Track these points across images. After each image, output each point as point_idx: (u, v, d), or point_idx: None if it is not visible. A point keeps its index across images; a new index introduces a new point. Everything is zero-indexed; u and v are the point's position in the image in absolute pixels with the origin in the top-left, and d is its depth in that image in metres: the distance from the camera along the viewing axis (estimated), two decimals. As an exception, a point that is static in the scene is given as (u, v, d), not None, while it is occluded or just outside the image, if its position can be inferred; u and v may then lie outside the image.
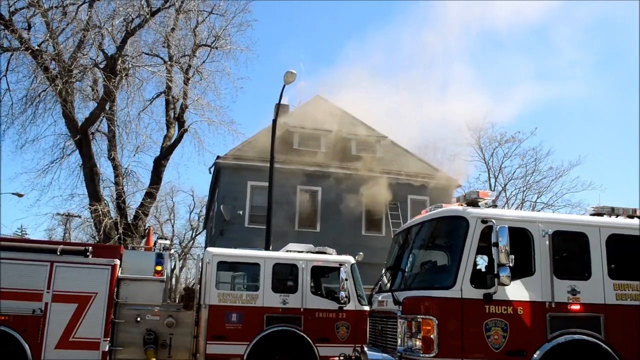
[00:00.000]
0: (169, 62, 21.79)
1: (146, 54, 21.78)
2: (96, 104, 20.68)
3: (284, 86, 17.51)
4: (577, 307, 7.07)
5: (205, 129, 29.14)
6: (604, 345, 6.99)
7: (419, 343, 6.71)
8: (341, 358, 8.26)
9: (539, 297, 6.99)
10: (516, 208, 31.11)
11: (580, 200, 32.90)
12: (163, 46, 22.16)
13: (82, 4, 19.75)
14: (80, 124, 20.27)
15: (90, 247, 11.13)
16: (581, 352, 7.00)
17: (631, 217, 8.10)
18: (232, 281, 12.98)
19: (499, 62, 52.36)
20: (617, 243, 7.44)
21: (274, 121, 18.09)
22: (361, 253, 13.19)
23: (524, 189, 32.21)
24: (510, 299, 6.86)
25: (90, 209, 20.62)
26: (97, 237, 21.29)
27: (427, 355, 6.59)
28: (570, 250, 7.60)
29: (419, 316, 6.78)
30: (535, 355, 6.74)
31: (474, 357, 6.61)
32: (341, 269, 11.27)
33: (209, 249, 12.59)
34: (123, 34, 20.48)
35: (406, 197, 25.76)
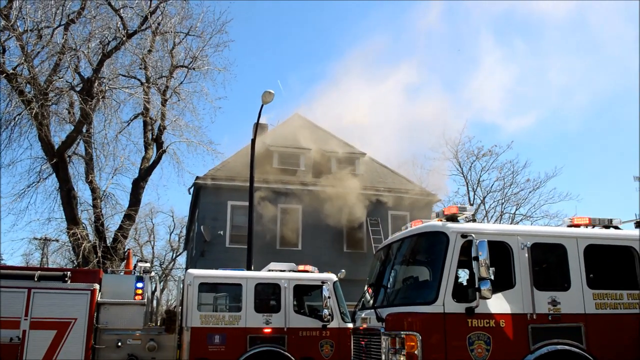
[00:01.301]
0: (146, 84, 21.71)
1: (123, 75, 21.69)
2: (73, 127, 20.45)
3: (262, 106, 17.58)
4: (557, 317, 7.15)
5: (184, 150, 29.01)
6: (585, 355, 7.07)
7: (403, 359, 6.72)
8: (326, 377, 8.21)
9: (520, 309, 7.05)
10: (495, 221, 31.41)
11: (558, 211, 33.42)
12: (140, 68, 22.09)
13: (57, 27, 19.61)
14: (56, 147, 20.03)
15: (68, 272, 11.00)
16: (563, 361, 7.07)
17: (607, 227, 8.25)
18: (214, 302, 12.86)
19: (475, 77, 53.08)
20: (595, 253, 7.55)
21: (253, 141, 18.10)
22: (343, 270, 13.20)
23: (503, 201, 32.58)
24: (492, 312, 6.91)
25: (68, 232, 20.31)
26: (75, 261, 20.97)
27: (411, 371, 6.59)
28: (549, 262, 7.72)
29: (402, 332, 6.80)
30: (518, 368, 6.78)
31: (458, 371, 6.63)
32: (323, 286, 11.25)
33: (190, 270, 12.48)
34: (99, 57, 20.36)
35: (386, 213, 25.84)
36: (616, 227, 8.31)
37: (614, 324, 7.19)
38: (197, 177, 24.80)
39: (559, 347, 7.04)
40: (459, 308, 6.82)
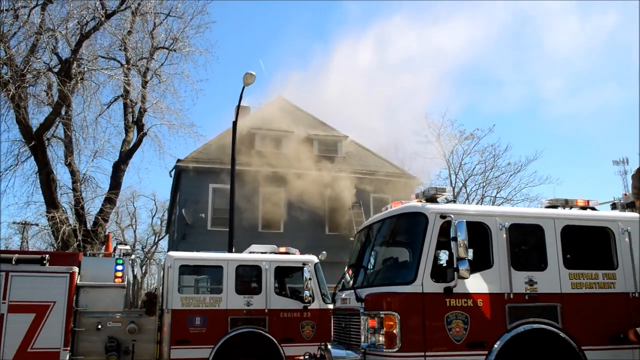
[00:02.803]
0: (126, 66, 21.42)
1: (102, 57, 21.36)
2: (51, 109, 20.13)
3: (244, 88, 17.47)
4: (534, 297, 7.24)
5: (165, 132, 28.81)
6: (561, 334, 7.19)
7: (382, 339, 6.77)
8: (306, 357, 8.25)
9: (498, 289, 7.12)
10: (477, 204, 31.64)
11: (538, 194, 33.60)
12: (120, 49, 21.77)
13: (34, 7, 19.18)
14: (35, 129, 19.72)
15: (47, 255, 10.87)
16: (540, 340, 7.18)
17: (584, 208, 8.34)
18: (195, 285, 12.86)
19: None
20: (572, 234, 7.64)
21: (235, 123, 17.99)
22: (324, 252, 13.25)
23: (484, 184, 32.77)
24: (470, 291, 6.98)
25: (47, 216, 20.11)
26: (55, 245, 20.78)
27: (390, 350, 6.65)
28: (527, 242, 7.78)
29: (381, 312, 6.84)
30: (495, 346, 6.86)
31: (436, 350, 6.71)
32: (305, 268, 11.30)
33: (171, 253, 12.44)
34: (77, 37, 20.00)
35: (368, 196, 25.93)
36: (593, 209, 8.41)
37: (590, 303, 7.29)
38: (179, 160, 24.65)
39: (535, 326, 7.13)
40: (438, 288, 6.87)
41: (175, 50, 22.64)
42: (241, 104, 18.46)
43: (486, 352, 6.83)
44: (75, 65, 19.94)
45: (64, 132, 21.27)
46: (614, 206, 8.82)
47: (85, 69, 20.48)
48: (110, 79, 21.18)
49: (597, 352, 7.15)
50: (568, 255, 7.55)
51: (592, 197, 8.54)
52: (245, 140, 25.08)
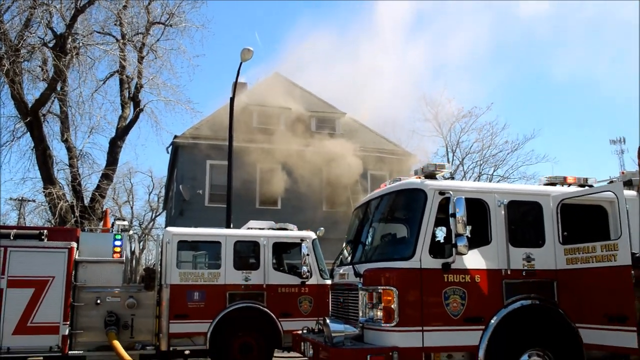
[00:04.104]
0: (121, 41, 21.23)
1: (98, 32, 21.16)
2: (46, 85, 19.98)
3: (241, 63, 17.35)
4: (531, 273, 7.29)
5: (162, 108, 28.58)
6: (556, 309, 7.26)
7: (380, 313, 6.83)
8: (304, 331, 8.32)
9: (495, 265, 7.16)
10: (473, 181, 31.71)
11: (535, 172, 33.80)
12: (115, 24, 21.55)
13: (28, -19, 18.95)
14: (30, 105, 19.59)
15: (45, 231, 10.90)
16: (535, 316, 7.25)
17: (582, 185, 8.35)
18: (193, 260, 12.91)
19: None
20: (569, 210, 7.66)
21: (232, 99, 17.89)
22: (322, 228, 13.29)
23: (481, 162, 32.89)
24: (468, 267, 7.01)
25: (44, 192, 20.09)
26: (52, 221, 20.78)
27: (388, 325, 6.71)
28: (525, 219, 7.81)
29: (379, 287, 6.88)
30: (492, 321, 6.93)
31: (434, 325, 6.77)
32: (303, 244, 11.35)
33: (169, 228, 12.46)
34: (72, 12, 19.73)
35: (366, 173, 25.93)
36: (591, 186, 8.42)
37: (585, 279, 7.19)
38: (176, 136, 24.57)
39: (531, 301, 7.21)
40: (436, 264, 6.90)
41: (171, 26, 22.45)
42: (238, 80, 18.36)
43: (483, 327, 6.90)
44: (70, 40, 19.73)
45: (59, 108, 21.15)
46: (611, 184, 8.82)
47: (81, 44, 20.28)
48: (105, 54, 21.04)
49: (592, 332, 7.01)
50: (565, 232, 7.58)
51: (590, 176, 8.56)
52: (242, 116, 24.96)
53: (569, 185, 8.30)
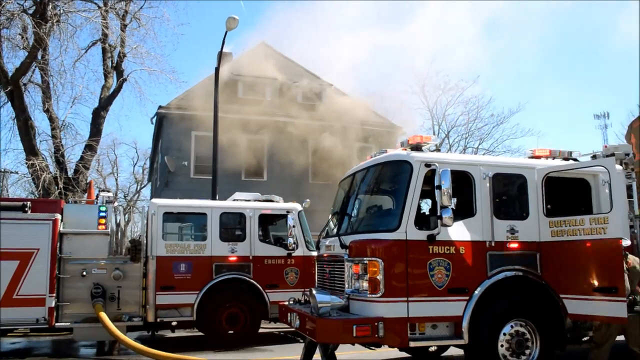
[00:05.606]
0: (103, 8, 20.78)
1: (79, -1, 20.68)
2: (27, 53, 19.58)
3: (226, 32, 17.12)
4: (515, 245, 7.38)
5: (146, 78, 28.46)
6: (539, 281, 7.38)
7: (365, 284, 6.88)
8: (291, 302, 8.39)
9: (480, 237, 7.24)
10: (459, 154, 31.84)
11: (520, 146, 34.06)
12: (97, -10, 21.06)
13: (4, -55, 18.40)
14: (10, 74, 19.22)
15: (28, 203, 10.79)
16: (518, 287, 7.37)
17: (567, 159, 8.42)
18: (179, 232, 12.90)
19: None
20: (554, 183, 7.73)
21: (217, 69, 17.69)
22: (308, 200, 13.33)
23: (467, 135, 33.04)
24: (453, 239, 7.08)
25: (27, 164, 19.86)
26: (36, 193, 20.59)
27: (373, 296, 6.78)
28: (509, 192, 7.88)
29: (365, 259, 6.93)
30: (476, 292, 7.03)
31: (419, 295, 6.84)
32: (289, 216, 11.38)
33: (154, 200, 12.41)
34: (52, -23, 19.28)
35: (352, 145, 25.84)
36: (575, 160, 8.50)
37: (567, 251, 7.29)
38: (160, 107, 24.27)
39: (515, 272, 7.31)
40: (421, 235, 6.95)
41: (154, -7, 22.00)
42: (223, 50, 18.12)
43: (467, 298, 7.00)
44: (50, 6, 19.26)
45: (40, 77, 20.80)
46: (594, 158, 8.90)
47: (61, 11, 19.84)
48: (87, 22, 20.65)
49: (578, 302, 7.12)
50: (549, 205, 7.65)
51: (574, 149, 8.63)
52: (227, 87, 24.68)
53: (554, 158, 8.36)
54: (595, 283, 6.92)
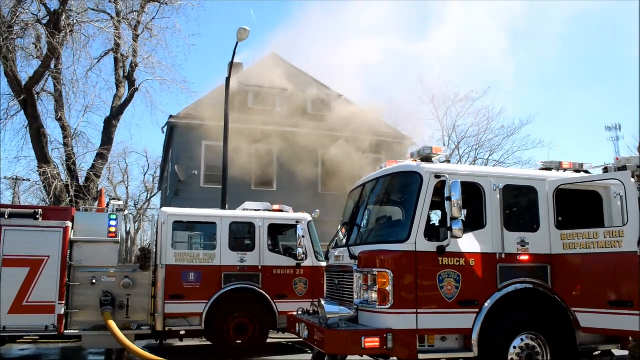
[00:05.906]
0: (116, 18, 21.00)
1: (92, 9, 20.95)
2: (40, 62, 19.79)
3: (237, 43, 17.20)
4: (525, 257, 7.33)
5: (157, 88, 28.66)
6: (550, 294, 7.32)
7: (374, 295, 6.86)
8: (299, 313, 8.37)
9: (490, 249, 7.20)
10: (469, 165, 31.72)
11: (530, 158, 33.87)
12: (110, 1, 21.32)
13: (20, -44, 18.66)
14: (24, 83, 19.43)
15: (39, 210, 10.85)
16: (529, 300, 7.31)
17: (577, 171, 8.37)
18: (189, 241, 12.92)
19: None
20: (565, 195, 7.68)
21: (228, 80, 17.78)
22: (317, 210, 13.30)
23: (477, 147, 32.88)
24: (463, 251, 7.04)
25: (39, 171, 20.01)
26: (47, 201, 20.72)
27: (382, 307, 6.75)
28: (520, 204, 7.83)
29: (374, 269, 6.91)
30: (486, 304, 6.98)
31: (428, 307, 6.81)
32: (298, 226, 11.37)
33: (164, 208, 12.45)
34: (66, -12, 19.52)
35: (362, 155, 25.83)
36: (586, 172, 8.44)
37: (579, 264, 7.23)
38: (171, 116, 24.42)
39: (525, 285, 7.26)
40: (431, 247, 6.93)
41: (166, 3, 22.23)
42: (234, 61, 18.23)
43: (477, 310, 6.95)
44: (64, 17, 19.49)
45: (53, 86, 21.03)
46: (605, 170, 8.83)
47: (75, 21, 20.04)
48: (100, 32, 20.87)
49: (591, 316, 7.04)
50: (560, 217, 7.60)
51: (585, 162, 8.57)
52: (238, 97, 24.81)
53: (565, 170, 8.32)
54: (611, 297, 6.85)
